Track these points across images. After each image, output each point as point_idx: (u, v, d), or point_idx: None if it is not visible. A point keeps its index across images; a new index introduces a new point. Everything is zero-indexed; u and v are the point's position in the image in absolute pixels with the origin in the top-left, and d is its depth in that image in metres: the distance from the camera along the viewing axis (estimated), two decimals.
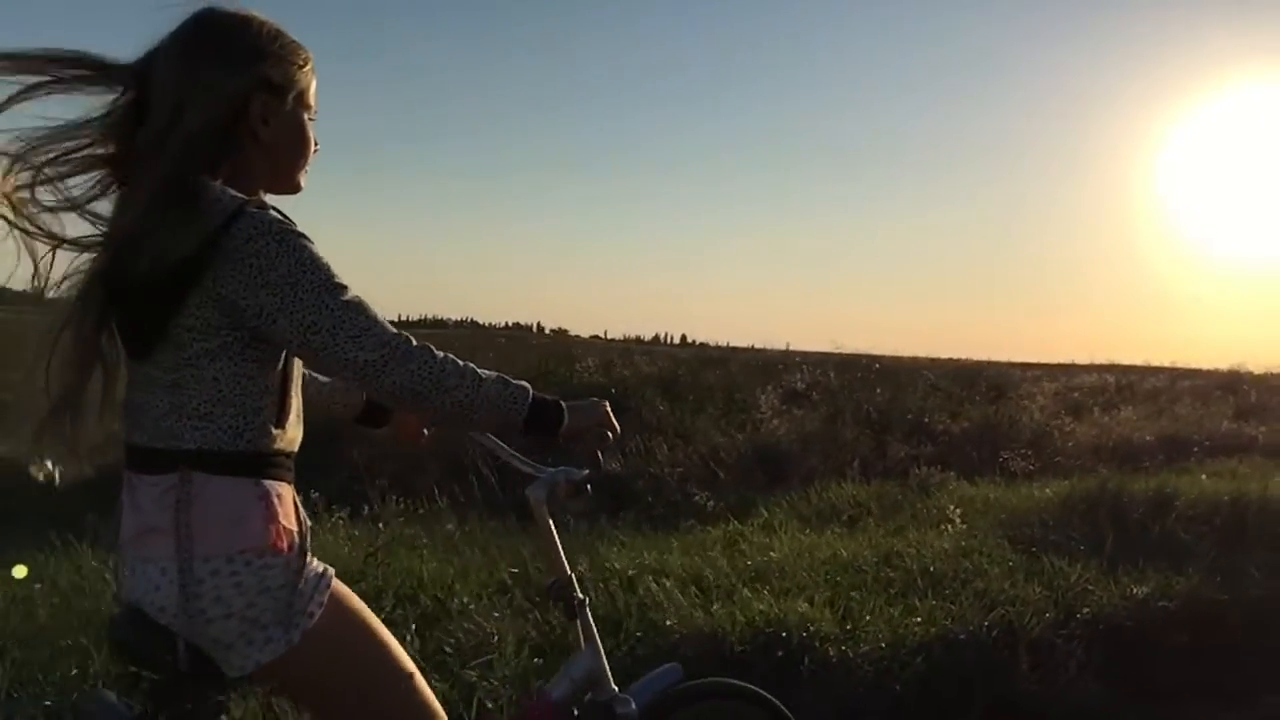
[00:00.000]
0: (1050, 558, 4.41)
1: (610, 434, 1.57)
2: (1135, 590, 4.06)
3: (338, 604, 1.41)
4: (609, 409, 1.57)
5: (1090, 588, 4.06)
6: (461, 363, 1.38)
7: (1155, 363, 20.10)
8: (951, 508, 5.61)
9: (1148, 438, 10.09)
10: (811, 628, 3.29)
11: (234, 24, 1.41)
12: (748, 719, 1.93)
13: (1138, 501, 5.32)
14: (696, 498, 6.18)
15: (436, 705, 1.53)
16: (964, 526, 5.34)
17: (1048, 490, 6.02)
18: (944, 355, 23.50)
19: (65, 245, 1.37)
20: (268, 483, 1.36)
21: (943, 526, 5.38)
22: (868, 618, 3.44)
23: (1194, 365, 20.20)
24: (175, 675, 1.34)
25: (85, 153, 1.37)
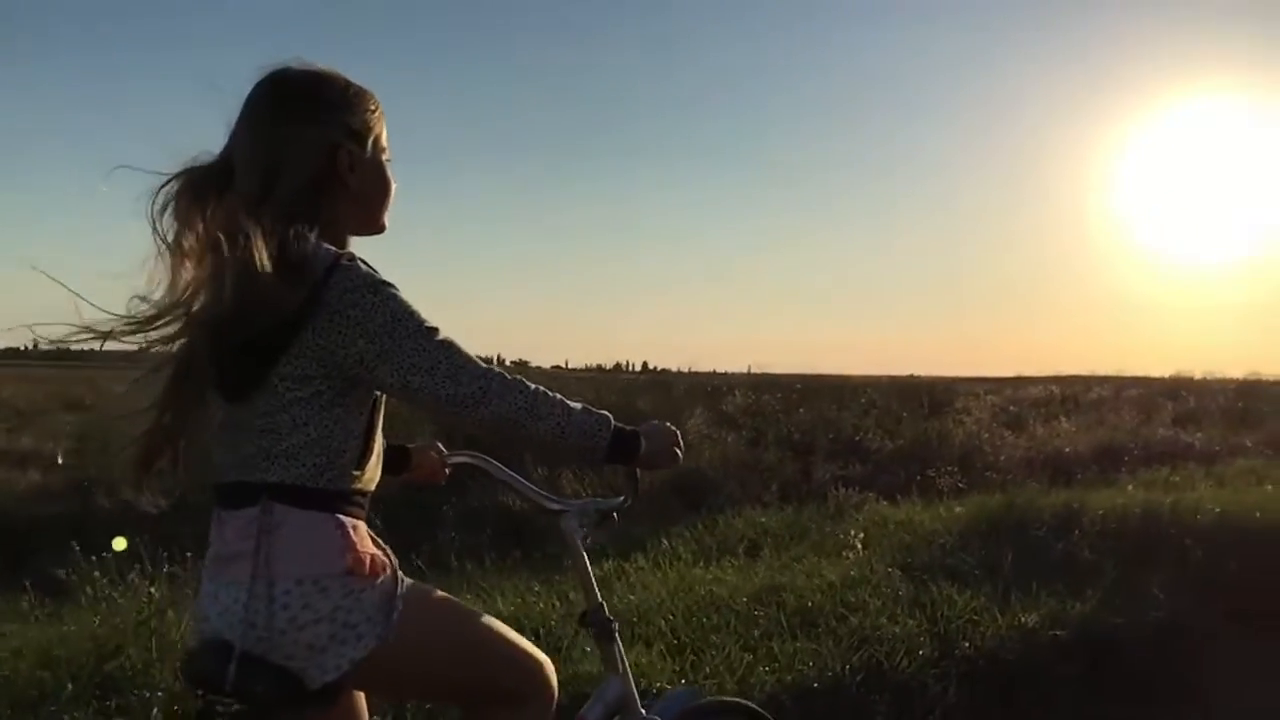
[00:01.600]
0: (941, 585, 4.09)
1: (679, 452, 1.62)
2: (1024, 618, 3.74)
3: (414, 592, 1.46)
4: (675, 429, 1.63)
5: (977, 618, 3.74)
6: (551, 393, 1.44)
7: (1101, 372, 20.09)
8: (853, 533, 5.28)
9: (1082, 449, 9.90)
10: (643, 683, 2.92)
11: (310, 80, 1.47)
12: None
13: (1044, 519, 5.03)
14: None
15: (533, 653, 1.59)
16: (865, 553, 5.02)
17: (958, 509, 5.71)
18: (900, 372, 23.48)
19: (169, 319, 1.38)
20: (343, 517, 1.40)
21: (844, 553, 5.06)
22: (707, 669, 3.08)
23: (1139, 373, 20.22)
24: (255, 706, 1.33)
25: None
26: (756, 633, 3.60)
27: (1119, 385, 18.00)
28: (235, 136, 1.44)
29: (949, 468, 8.37)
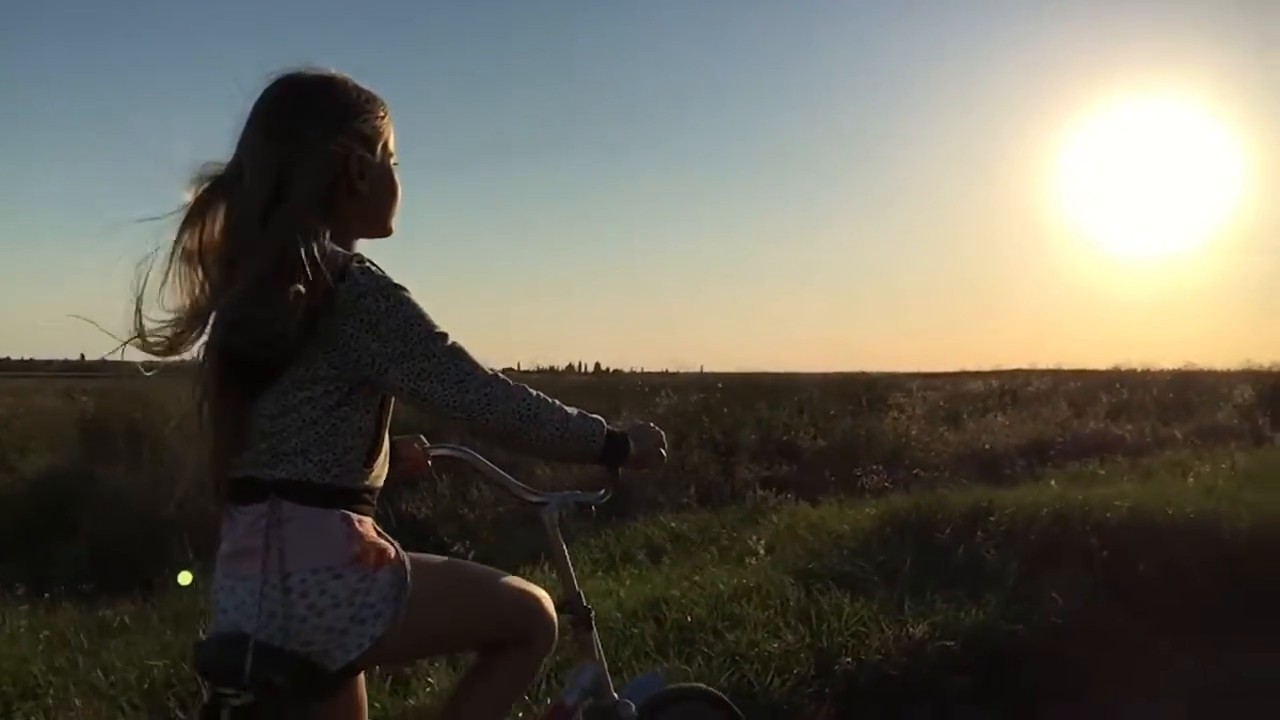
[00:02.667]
0: (834, 593, 3.87)
1: (664, 453, 1.70)
2: (914, 629, 3.52)
3: (420, 564, 1.51)
4: (661, 432, 1.71)
5: (864, 629, 3.51)
6: (550, 400, 1.49)
7: (1042, 365, 20.17)
8: (755, 539, 5.05)
9: (1013, 444, 9.81)
10: None
11: (322, 86, 1.48)
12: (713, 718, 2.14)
13: (951, 520, 4.82)
14: (455, 546, 5.43)
15: (532, 590, 1.68)
16: (767, 559, 4.79)
17: (869, 510, 5.50)
18: (853, 369, 23.46)
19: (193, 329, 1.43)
20: (348, 513, 1.43)
21: (746, 560, 4.83)
22: (549, 700, 2.80)
23: (1081, 365, 20.34)
24: (263, 694, 1.34)
25: (175, 260, 1.42)
26: (627, 653, 3.34)
27: (1059, 378, 18.05)
28: (245, 141, 1.44)
29: (875, 466, 8.20)
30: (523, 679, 1.72)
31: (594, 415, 1.55)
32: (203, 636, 1.48)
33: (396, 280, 1.41)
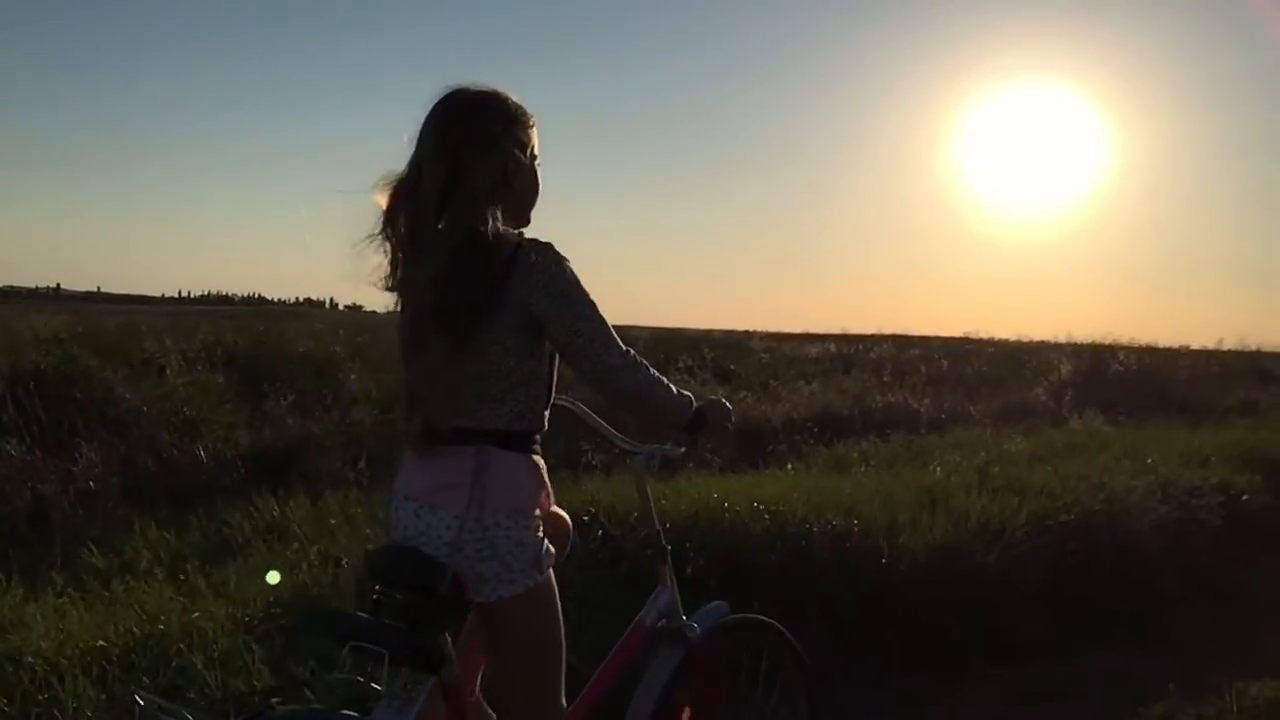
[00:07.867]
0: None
1: (730, 426, 2.03)
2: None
3: (551, 581, 1.79)
4: (730, 408, 2.05)
5: None
6: (659, 375, 1.81)
7: (888, 330, 19.71)
8: (296, 547, 3.99)
9: (797, 416, 9.02)
10: None
11: (491, 98, 1.79)
12: (773, 647, 2.42)
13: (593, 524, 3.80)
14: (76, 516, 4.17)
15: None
16: (321, 571, 3.73)
17: None
18: (728, 327, 22.68)
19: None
20: (537, 458, 1.77)
21: (290, 568, 3.77)
22: None
23: (929, 332, 19.92)
24: (426, 598, 1.66)
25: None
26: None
27: (903, 344, 17.45)
28: (423, 142, 1.74)
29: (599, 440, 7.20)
30: None
31: (686, 392, 1.87)
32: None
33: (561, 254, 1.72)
